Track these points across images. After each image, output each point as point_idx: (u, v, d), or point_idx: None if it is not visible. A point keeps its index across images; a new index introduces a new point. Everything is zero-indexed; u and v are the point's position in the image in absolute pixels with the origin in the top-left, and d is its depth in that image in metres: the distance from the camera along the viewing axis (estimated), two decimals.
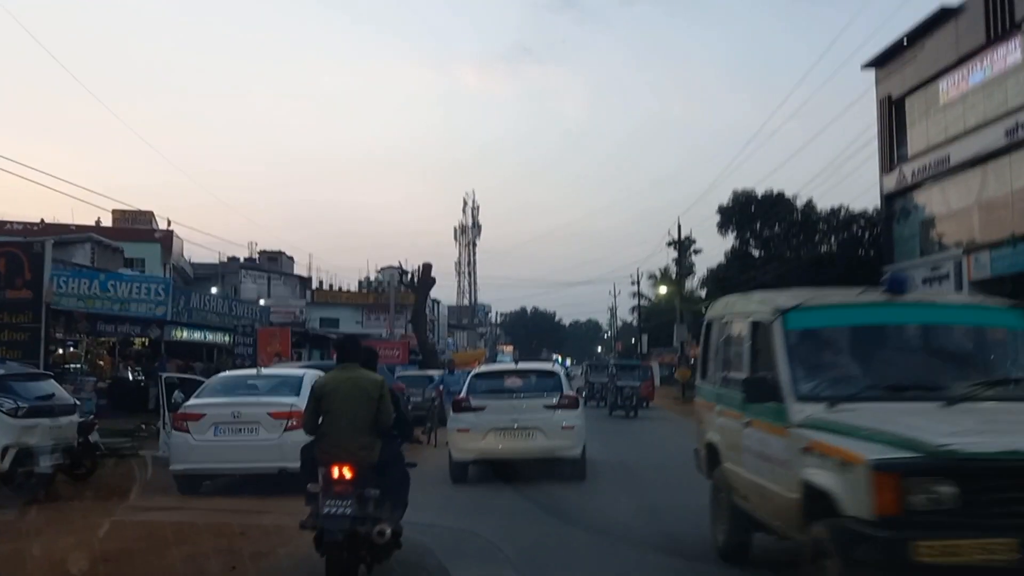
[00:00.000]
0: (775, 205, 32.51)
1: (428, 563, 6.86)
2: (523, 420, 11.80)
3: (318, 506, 5.95)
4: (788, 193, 33.14)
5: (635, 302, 74.31)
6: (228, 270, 61.45)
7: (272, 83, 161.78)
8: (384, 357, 28.93)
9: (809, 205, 32.07)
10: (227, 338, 23.99)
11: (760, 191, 33.39)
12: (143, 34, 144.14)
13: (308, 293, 57.92)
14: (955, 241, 25.30)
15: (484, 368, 15.78)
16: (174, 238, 50.41)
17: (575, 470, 11.97)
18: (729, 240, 34.42)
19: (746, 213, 33.39)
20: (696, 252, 65.31)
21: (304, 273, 62.59)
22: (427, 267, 36.89)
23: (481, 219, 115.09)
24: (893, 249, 28.61)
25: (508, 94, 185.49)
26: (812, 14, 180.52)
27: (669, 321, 62.93)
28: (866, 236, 30.15)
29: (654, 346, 65.10)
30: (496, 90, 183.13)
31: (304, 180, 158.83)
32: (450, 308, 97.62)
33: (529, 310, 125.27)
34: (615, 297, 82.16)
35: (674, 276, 53.18)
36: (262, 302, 55.05)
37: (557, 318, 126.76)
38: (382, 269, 64.16)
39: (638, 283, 66.15)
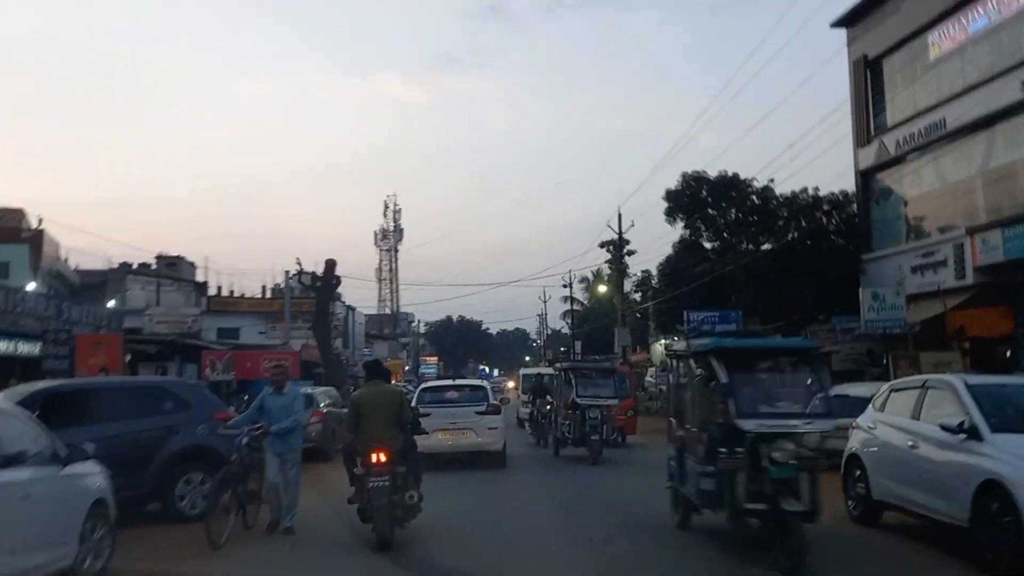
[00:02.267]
0: (730, 188, 28.27)
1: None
2: (460, 423, 15.48)
3: (363, 483, 8.57)
4: (744, 175, 28.98)
5: (566, 307, 69.95)
6: (116, 276, 55.16)
7: (190, 93, 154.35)
8: (268, 371, 23.62)
9: (767, 189, 27.95)
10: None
11: (713, 173, 29.20)
12: (55, 41, 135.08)
13: (203, 300, 51.68)
14: (949, 222, 21.35)
15: (430, 384, 19.95)
16: (45, 240, 43.75)
17: (499, 460, 15.73)
18: (678, 230, 30.08)
19: (697, 198, 29.10)
20: (630, 254, 61.53)
21: (209, 281, 56.43)
22: (330, 264, 31.66)
23: (407, 228, 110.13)
24: (871, 235, 24.60)
25: (433, 102, 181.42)
26: None
27: (605, 326, 58.78)
28: (834, 221, 26.16)
29: (588, 353, 60.84)
30: (421, 99, 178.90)
31: (222, 191, 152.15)
32: (370, 317, 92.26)
33: (455, 319, 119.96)
34: (545, 302, 77.48)
35: (614, 274, 48.84)
36: (149, 310, 49.14)
37: (484, 327, 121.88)
38: (293, 275, 58.51)
39: (570, 286, 61.63)
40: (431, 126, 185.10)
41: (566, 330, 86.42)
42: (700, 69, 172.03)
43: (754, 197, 28.56)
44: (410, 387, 52.16)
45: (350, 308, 61.66)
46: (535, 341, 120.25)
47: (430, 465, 11.50)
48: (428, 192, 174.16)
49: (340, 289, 65.05)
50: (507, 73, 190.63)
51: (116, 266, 54.65)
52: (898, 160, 23.32)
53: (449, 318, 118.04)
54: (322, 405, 18.28)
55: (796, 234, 26.31)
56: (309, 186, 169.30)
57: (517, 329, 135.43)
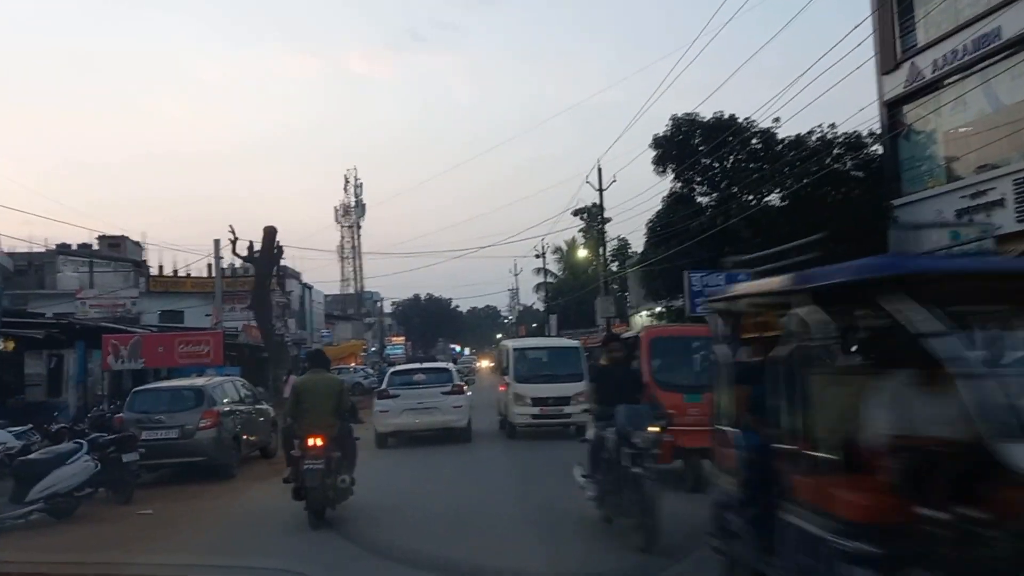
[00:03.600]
0: (727, 131, 24.46)
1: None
2: (426, 402, 16.77)
3: (299, 465, 9.01)
4: (741, 118, 25.19)
5: (539, 279, 66.15)
6: (47, 259, 50.44)
7: (147, 71, 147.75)
8: (184, 356, 19.52)
9: (770, 131, 24.20)
10: None
11: (708, 116, 25.37)
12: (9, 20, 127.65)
13: (142, 281, 47.10)
14: (1003, 156, 17.72)
15: (399, 368, 20.92)
16: None
17: (464, 435, 17.11)
18: (668, 183, 26.28)
19: (689, 144, 25.28)
20: (606, 221, 57.69)
21: (157, 262, 51.87)
22: (269, 232, 27.45)
23: (372, 209, 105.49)
24: (900, 176, 20.93)
25: (396, 80, 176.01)
26: None
27: (582, 299, 55.06)
28: (853, 163, 22.48)
29: (564, 328, 57.07)
30: (383, 76, 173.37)
31: (178, 172, 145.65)
32: (334, 297, 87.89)
33: (423, 297, 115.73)
34: (516, 275, 73.44)
35: (591, 239, 45.08)
36: (80, 294, 44.51)
37: (453, 305, 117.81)
38: (227, 244, 53.98)
39: (543, 256, 57.60)
40: (395, 104, 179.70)
41: (538, 305, 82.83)
42: (683, 20, 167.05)
43: (755, 141, 24.83)
44: (370, 371, 48.46)
45: (307, 287, 57.34)
46: (506, 318, 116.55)
47: (402, 442, 15.35)
48: (394, 171, 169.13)
49: (300, 268, 61.25)
50: (473, 49, 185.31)
51: (53, 247, 50.10)
52: (934, 85, 19.59)
53: (416, 296, 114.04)
54: (224, 401, 13.63)
55: (808, 180, 22.58)
56: (269, 166, 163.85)
57: (487, 306, 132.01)
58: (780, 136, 24.26)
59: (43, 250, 49.44)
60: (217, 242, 26.23)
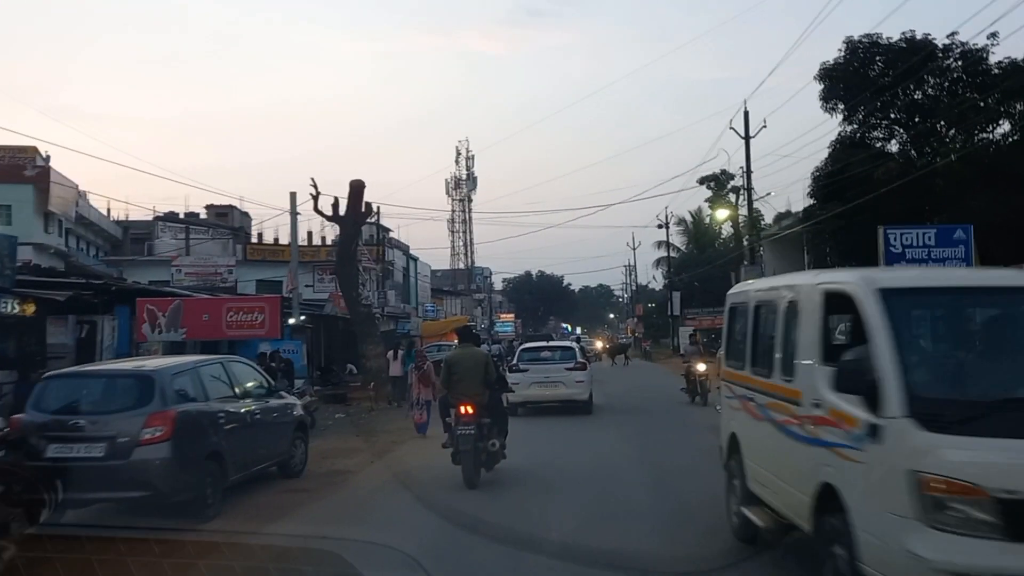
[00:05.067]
0: (917, 56, 19.05)
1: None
2: (552, 377, 18.08)
3: (453, 431, 9.84)
4: (939, 38, 19.65)
5: (658, 256, 60.85)
6: (159, 229, 49.31)
7: (280, 51, 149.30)
8: (235, 326, 15.91)
9: (979, 55, 18.63)
10: None
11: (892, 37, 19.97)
12: None
13: (238, 249, 44.85)
14: None
15: (528, 345, 22.11)
16: (53, 181, 37.28)
17: (585, 407, 18.10)
18: (834, 125, 21.06)
19: (866, 75, 19.98)
20: (735, 191, 51.86)
21: (255, 230, 49.75)
22: (356, 187, 23.76)
23: (487, 187, 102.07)
24: None
25: (515, 56, 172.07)
26: None
27: (708, 275, 49.72)
28: None
29: (688, 307, 51.86)
30: (502, 52, 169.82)
31: (304, 148, 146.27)
32: (443, 272, 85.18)
33: (535, 274, 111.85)
34: (635, 249, 68.21)
35: (721, 201, 39.68)
36: (176, 261, 42.64)
37: (566, 283, 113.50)
38: (307, 200, 51.04)
39: (666, 226, 52.31)
40: (512, 80, 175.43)
41: (653, 284, 77.47)
42: None
43: (957, 66, 19.33)
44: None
45: (412, 258, 54.11)
46: (620, 297, 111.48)
47: (529, 412, 17.28)
48: (509, 148, 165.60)
49: (408, 241, 58.18)
50: (591, 23, 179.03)
51: (162, 215, 48.83)
52: None
53: (528, 273, 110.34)
54: (193, 397, 8.62)
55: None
56: (390, 145, 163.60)
57: (600, 285, 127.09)
58: (996, 59, 18.70)
59: (149, 219, 48.45)
60: (294, 195, 22.61)
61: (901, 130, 19.68)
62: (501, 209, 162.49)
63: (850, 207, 18.31)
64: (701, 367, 18.69)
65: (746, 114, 25.42)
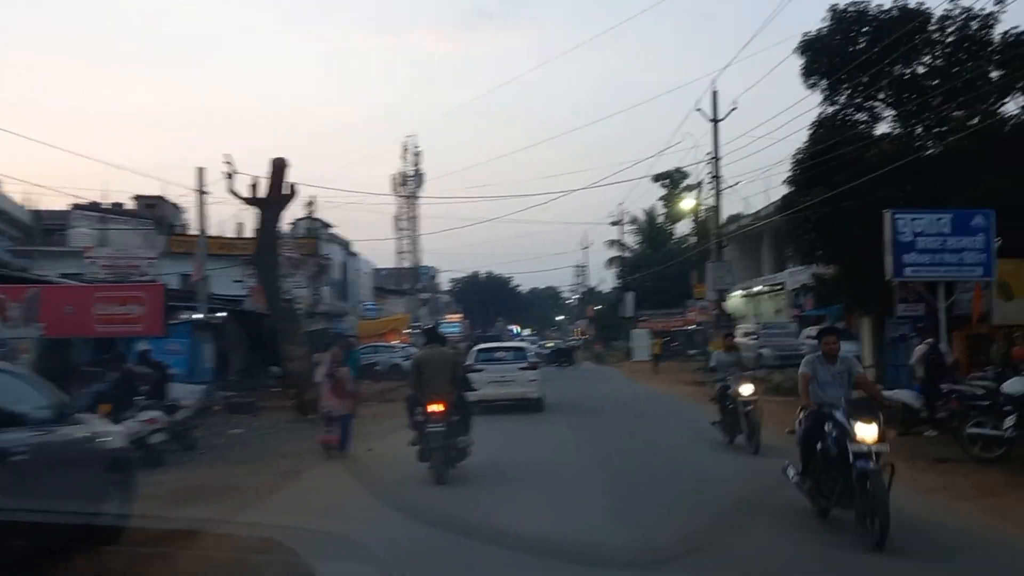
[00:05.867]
0: (906, 27, 16.94)
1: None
2: (506, 376, 18.97)
3: (422, 429, 9.90)
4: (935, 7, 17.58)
5: (610, 255, 58.72)
6: (73, 218, 45.44)
7: (222, 48, 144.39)
8: (106, 320, 12.97)
9: (985, 22, 16.59)
10: None
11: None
12: None
13: (160, 241, 41.44)
14: None
15: (483, 346, 22.47)
16: None
17: (537, 405, 18.87)
18: (814, 105, 18.88)
19: (849, 50, 17.83)
20: (683, 194, 49.82)
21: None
22: (279, 165, 20.88)
23: (435, 186, 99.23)
24: None
25: (465, 57, 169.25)
26: None
27: (661, 275, 47.65)
28: None
29: (641, 308, 49.74)
30: (452, 53, 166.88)
31: (248, 146, 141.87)
32: (388, 271, 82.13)
33: (483, 275, 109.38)
34: (585, 249, 65.97)
35: (677, 196, 37.61)
36: (89, 252, 39.04)
37: (514, 284, 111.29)
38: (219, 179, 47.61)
39: (620, 224, 50.17)
40: (463, 80, 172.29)
41: (603, 287, 75.39)
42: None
43: (954, 37, 17.24)
44: (414, 350, 41.84)
45: (351, 253, 51.02)
46: (568, 299, 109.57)
47: (483, 410, 15.62)
48: (457, 149, 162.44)
49: (352, 238, 54.87)
50: (541, 26, 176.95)
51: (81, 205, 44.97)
52: None
53: (475, 274, 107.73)
54: None
55: None
56: (339, 145, 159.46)
57: (548, 287, 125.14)
58: (1004, 29, 16.65)
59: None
60: (201, 171, 19.61)
61: (892, 108, 17.53)
62: (449, 211, 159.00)
63: (839, 192, 16.08)
64: (747, 390, 11.99)
65: (714, 94, 23.24)
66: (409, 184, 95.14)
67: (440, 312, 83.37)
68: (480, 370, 18.55)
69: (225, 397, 18.14)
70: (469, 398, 11.30)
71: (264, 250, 21.01)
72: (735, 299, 36.90)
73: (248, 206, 21.35)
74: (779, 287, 36.02)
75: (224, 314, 25.70)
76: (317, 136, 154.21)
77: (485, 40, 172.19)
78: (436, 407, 9.83)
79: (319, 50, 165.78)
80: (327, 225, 50.25)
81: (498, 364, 19.47)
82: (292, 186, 21.38)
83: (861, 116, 18.61)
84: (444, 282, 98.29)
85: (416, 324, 66.15)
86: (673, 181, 51.89)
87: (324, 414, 11.92)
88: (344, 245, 51.64)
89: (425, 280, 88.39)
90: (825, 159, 17.22)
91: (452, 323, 79.58)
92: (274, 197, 20.91)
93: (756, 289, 39.26)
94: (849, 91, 18.20)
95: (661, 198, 53.69)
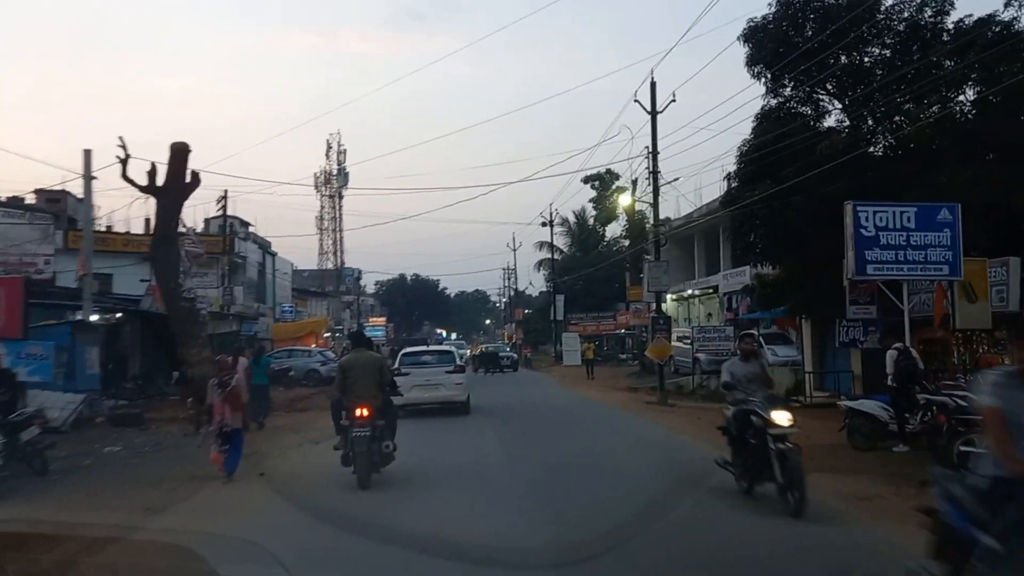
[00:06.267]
0: (856, 13, 16.05)
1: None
2: (433, 380, 18.72)
3: (347, 433, 9.79)
4: None
5: (539, 258, 57.53)
6: None
7: (145, 41, 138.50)
8: None
9: (938, 9, 15.81)
10: None
11: None
12: None
13: (59, 237, 38.56)
14: None
15: (409, 349, 22.03)
16: None
17: (464, 408, 18.87)
18: (757, 96, 17.88)
19: (792, 39, 16.88)
20: (620, 191, 49.03)
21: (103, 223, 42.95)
22: (179, 150, 18.93)
23: (355, 178, 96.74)
24: None
25: (396, 58, 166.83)
26: None
27: (593, 278, 46.63)
28: None
29: (571, 311, 48.63)
30: (382, 54, 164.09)
31: (162, 142, 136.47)
32: (311, 272, 79.46)
33: (409, 277, 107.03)
34: (515, 250, 64.68)
35: (612, 194, 36.63)
36: None
37: (441, 287, 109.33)
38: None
39: (551, 224, 49.05)
40: (391, 82, 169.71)
41: (531, 291, 74.37)
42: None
43: (904, 27, 16.43)
44: (331, 355, 39.76)
45: (268, 253, 48.60)
46: (496, 303, 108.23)
47: (409, 414, 16.12)
48: (386, 150, 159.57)
49: (271, 237, 52.28)
50: (473, 28, 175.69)
51: None
52: None
53: (402, 276, 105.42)
54: None
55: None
56: (263, 142, 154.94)
57: (477, 291, 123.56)
58: (958, 17, 15.86)
59: None
60: (88, 153, 17.51)
61: (838, 101, 16.60)
62: (375, 208, 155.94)
63: (786, 186, 15.02)
64: (781, 417, 8.15)
65: (652, 85, 22.07)
66: (333, 182, 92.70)
67: (364, 315, 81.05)
68: (406, 374, 18.23)
69: (112, 407, 16.13)
70: (395, 402, 11.12)
71: (161, 243, 19.01)
72: (668, 302, 36.09)
73: (144, 195, 19.32)
74: (712, 290, 35.26)
75: (120, 315, 23.46)
76: (241, 133, 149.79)
77: (415, 41, 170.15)
78: (362, 411, 9.69)
79: (246, 45, 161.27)
80: (245, 223, 47.83)
81: (425, 367, 19.11)
82: (195, 174, 19.43)
83: (806, 109, 17.75)
84: (369, 284, 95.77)
85: (338, 328, 63.96)
86: (604, 183, 51.12)
87: (217, 428, 10.19)
88: (263, 244, 49.25)
89: (349, 282, 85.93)
90: (771, 150, 16.19)
91: (376, 326, 77.46)
92: (173, 185, 18.95)
93: (688, 292, 38.48)
94: (793, 83, 17.25)
95: (591, 200, 52.81)
